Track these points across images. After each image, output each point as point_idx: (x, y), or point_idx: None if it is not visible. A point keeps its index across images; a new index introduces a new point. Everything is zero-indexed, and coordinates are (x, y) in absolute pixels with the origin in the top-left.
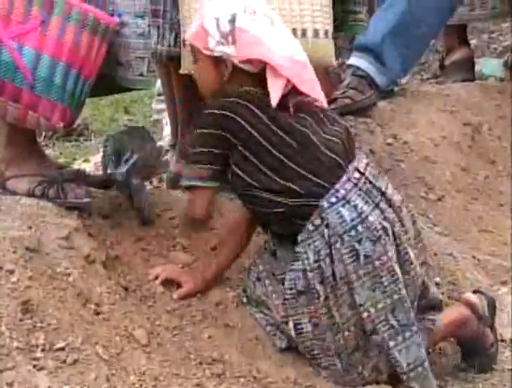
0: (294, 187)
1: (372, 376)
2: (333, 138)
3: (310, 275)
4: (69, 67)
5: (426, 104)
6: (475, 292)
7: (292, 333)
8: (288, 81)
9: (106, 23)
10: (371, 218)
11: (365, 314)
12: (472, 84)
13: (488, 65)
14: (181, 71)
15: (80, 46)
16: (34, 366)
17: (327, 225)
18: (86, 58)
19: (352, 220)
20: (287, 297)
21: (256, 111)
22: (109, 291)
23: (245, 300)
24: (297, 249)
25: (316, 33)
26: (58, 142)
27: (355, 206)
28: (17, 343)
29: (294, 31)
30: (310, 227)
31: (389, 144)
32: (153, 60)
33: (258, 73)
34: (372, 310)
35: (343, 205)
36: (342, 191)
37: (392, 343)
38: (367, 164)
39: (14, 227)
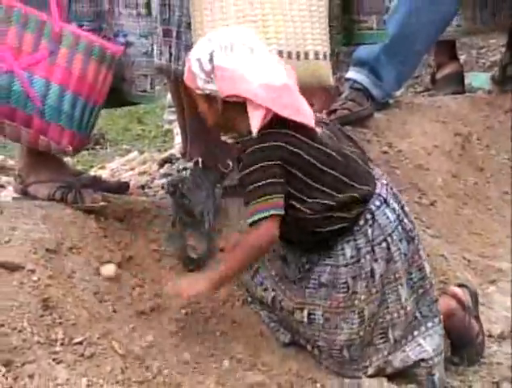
0: (353, 194)
1: (374, 374)
2: (356, 149)
3: (343, 270)
4: (77, 95)
5: (420, 115)
6: (459, 286)
7: (305, 320)
8: (268, 109)
9: (112, 52)
10: (405, 220)
11: (409, 308)
12: (462, 97)
13: (477, 79)
14: None
15: (87, 75)
16: (53, 359)
17: (371, 225)
18: (93, 86)
19: (395, 221)
20: (308, 285)
21: (297, 135)
22: (124, 289)
23: (249, 299)
24: (333, 246)
25: (316, 55)
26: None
27: (394, 209)
28: (38, 338)
29: (297, 53)
30: (355, 228)
31: (385, 152)
32: (163, 76)
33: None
34: (410, 303)
35: (387, 207)
36: (384, 195)
37: (415, 333)
38: (382, 173)
39: (35, 230)
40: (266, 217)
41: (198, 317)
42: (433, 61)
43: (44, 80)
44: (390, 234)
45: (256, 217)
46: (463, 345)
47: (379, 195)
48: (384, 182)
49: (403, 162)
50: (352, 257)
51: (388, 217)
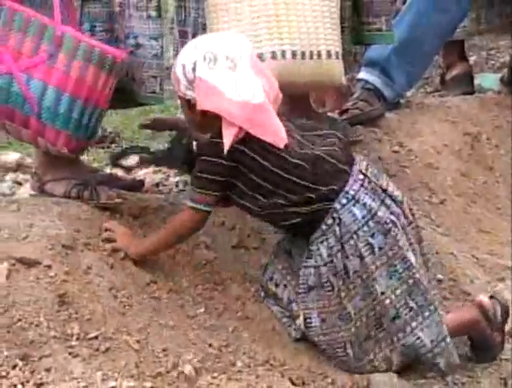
0: (309, 195)
1: (382, 366)
2: (332, 147)
3: (323, 269)
4: (75, 98)
5: (430, 115)
6: (491, 297)
7: (302, 327)
8: (241, 128)
9: (113, 56)
10: (379, 214)
11: (387, 301)
12: (472, 97)
13: (487, 80)
14: None
15: (86, 78)
16: (69, 354)
17: (339, 224)
18: (93, 89)
19: (363, 217)
20: (299, 291)
21: (263, 143)
22: (138, 285)
23: (262, 294)
24: (310, 247)
25: (329, 54)
26: (91, 149)
27: (364, 204)
28: (54, 333)
29: (311, 53)
30: (323, 227)
31: (396, 151)
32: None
33: None
34: (393, 297)
35: (354, 204)
36: (352, 192)
37: (414, 324)
38: (368, 165)
39: (51, 226)
40: (196, 209)
41: (211, 312)
42: (443, 62)
43: (41, 82)
44: (356, 232)
45: (191, 204)
46: (480, 348)
47: (347, 192)
48: (360, 177)
49: (413, 161)
50: (329, 256)
51: (354, 215)
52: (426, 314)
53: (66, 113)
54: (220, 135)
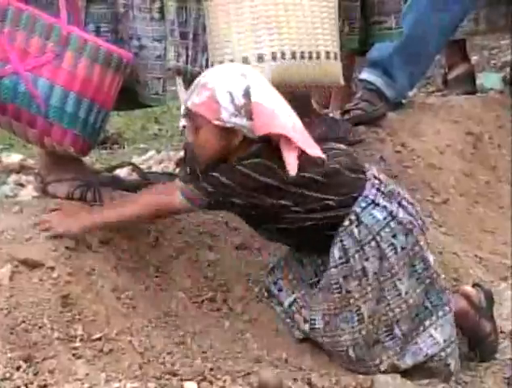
0: (328, 203)
1: (388, 371)
2: (345, 158)
3: (334, 271)
4: (82, 97)
5: (432, 115)
6: (473, 285)
7: (306, 328)
8: (300, 149)
9: (119, 56)
10: (400, 215)
11: (411, 301)
12: (474, 97)
13: (489, 79)
14: None
15: (92, 78)
16: (73, 355)
17: (357, 226)
18: (99, 89)
19: (384, 218)
20: (311, 293)
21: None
22: (141, 286)
23: (266, 294)
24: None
25: (327, 55)
26: (94, 150)
27: (384, 207)
28: (57, 334)
29: (310, 53)
30: (340, 229)
31: (398, 151)
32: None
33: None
34: (414, 295)
35: (374, 207)
36: (371, 196)
37: (427, 323)
38: (378, 171)
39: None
40: (183, 202)
41: (214, 313)
42: (445, 61)
43: (48, 81)
44: (378, 233)
45: (182, 197)
46: (475, 343)
47: (366, 196)
48: (376, 182)
49: (416, 161)
50: (340, 258)
51: (374, 217)
52: (440, 313)
53: (73, 112)
54: (242, 161)
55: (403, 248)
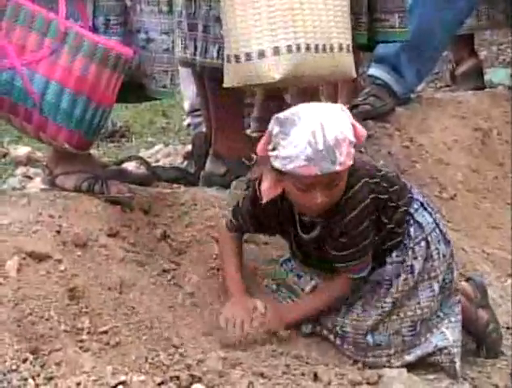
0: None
1: (397, 364)
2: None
3: (388, 268)
4: (77, 94)
5: (440, 111)
6: (467, 280)
7: (343, 310)
8: None
9: (117, 53)
10: (441, 223)
11: (433, 304)
12: (482, 92)
13: (497, 75)
14: (225, 85)
15: (88, 75)
16: (80, 348)
17: (412, 225)
18: (96, 86)
19: (432, 222)
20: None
21: None
22: (149, 279)
23: (274, 287)
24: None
25: (340, 48)
26: (102, 143)
27: (430, 212)
28: (64, 327)
29: (324, 46)
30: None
31: (406, 147)
32: (188, 69)
33: None
34: (436, 301)
35: (424, 209)
36: (420, 199)
37: (439, 325)
38: None
39: (61, 220)
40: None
41: (222, 307)
42: (453, 57)
43: (44, 77)
44: (430, 234)
45: (357, 276)
46: (479, 337)
47: (417, 199)
48: (417, 189)
49: (423, 156)
50: (397, 256)
51: (426, 219)
52: (452, 319)
53: (68, 109)
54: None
55: (444, 255)
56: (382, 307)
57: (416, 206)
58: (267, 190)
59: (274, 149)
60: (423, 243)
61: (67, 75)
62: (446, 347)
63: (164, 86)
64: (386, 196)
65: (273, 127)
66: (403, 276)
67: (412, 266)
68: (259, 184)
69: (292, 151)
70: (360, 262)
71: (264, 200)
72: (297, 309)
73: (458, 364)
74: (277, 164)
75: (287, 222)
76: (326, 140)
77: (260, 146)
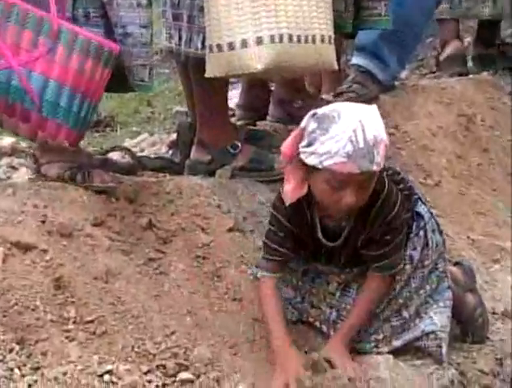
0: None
1: (384, 349)
2: None
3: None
4: (74, 91)
5: (425, 97)
6: (455, 264)
7: (338, 293)
8: None
9: (109, 49)
10: (434, 214)
11: (421, 292)
12: (466, 78)
13: None
14: (206, 75)
15: (84, 71)
16: (66, 337)
17: (412, 217)
18: (90, 82)
19: (427, 212)
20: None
21: None
22: (135, 268)
23: (259, 274)
24: None
25: (322, 39)
26: (87, 133)
27: (425, 204)
28: (50, 317)
29: (306, 37)
30: None
31: (391, 134)
32: (172, 59)
33: None
34: (427, 288)
35: (421, 204)
36: (418, 192)
37: (428, 310)
38: None
39: (47, 210)
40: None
41: (208, 295)
42: (439, 42)
43: (42, 76)
44: (427, 224)
45: (393, 271)
46: (466, 322)
47: (416, 193)
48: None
49: (408, 143)
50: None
51: (423, 209)
52: (441, 304)
53: (67, 106)
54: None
55: (437, 245)
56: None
57: (415, 197)
58: (292, 191)
59: (309, 145)
60: (421, 233)
61: (65, 72)
62: (433, 332)
63: (142, 80)
64: (407, 192)
65: (308, 123)
66: (404, 268)
67: (411, 256)
68: (282, 188)
69: (332, 147)
70: (392, 261)
71: (288, 203)
72: (351, 329)
73: (444, 349)
74: (312, 160)
75: (307, 230)
76: (366, 138)
77: (288, 144)
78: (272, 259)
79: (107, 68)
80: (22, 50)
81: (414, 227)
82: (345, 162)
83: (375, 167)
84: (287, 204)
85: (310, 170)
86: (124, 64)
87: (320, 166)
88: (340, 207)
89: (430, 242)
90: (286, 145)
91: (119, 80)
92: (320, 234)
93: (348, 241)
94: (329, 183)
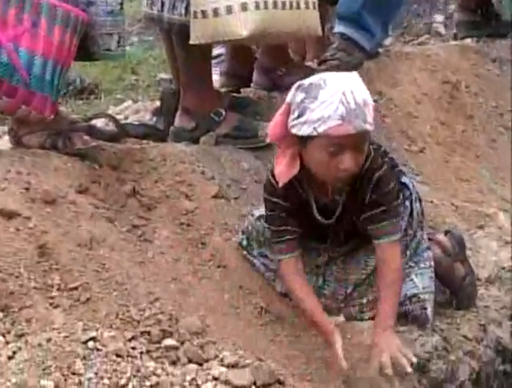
0: None
1: (367, 315)
2: None
3: None
4: (56, 63)
5: (409, 64)
6: (445, 233)
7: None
8: None
9: (82, 18)
10: (415, 184)
11: (404, 257)
12: (451, 45)
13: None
14: (191, 42)
15: (65, 43)
16: (50, 304)
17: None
18: (68, 53)
19: (409, 182)
20: None
21: None
22: (119, 235)
23: (244, 242)
24: None
25: (306, 5)
26: (70, 100)
27: (405, 173)
28: (34, 284)
29: (291, 3)
30: None
31: (375, 101)
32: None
33: None
34: (408, 254)
35: (403, 175)
36: (399, 165)
37: (409, 271)
38: None
39: (30, 177)
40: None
41: (192, 261)
42: (423, 11)
43: (28, 51)
44: (411, 193)
45: (395, 237)
46: (454, 290)
47: (398, 166)
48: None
49: (392, 110)
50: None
51: (406, 179)
52: (421, 265)
53: (50, 79)
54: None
55: (417, 214)
56: (366, 262)
57: (397, 169)
58: (284, 171)
59: (300, 115)
60: (407, 203)
61: (49, 46)
62: (415, 295)
63: (108, 49)
64: (389, 164)
65: (295, 95)
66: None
67: (400, 225)
68: (272, 171)
69: (324, 112)
70: (392, 223)
71: (281, 183)
72: (390, 311)
73: (429, 310)
74: (306, 130)
75: (303, 210)
76: (357, 99)
77: (276, 122)
78: (284, 240)
79: (78, 37)
80: (8, 25)
81: (401, 197)
82: (340, 124)
83: (368, 127)
84: (280, 184)
85: (303, 142)
86: (88, 33)
87: (315, 133)
88: (338, 174)
89: (413, 212)
90: (273, 125)
91: (81, 50)
92: (316, 213)
93: (344, 215)
94: (325, 149)
